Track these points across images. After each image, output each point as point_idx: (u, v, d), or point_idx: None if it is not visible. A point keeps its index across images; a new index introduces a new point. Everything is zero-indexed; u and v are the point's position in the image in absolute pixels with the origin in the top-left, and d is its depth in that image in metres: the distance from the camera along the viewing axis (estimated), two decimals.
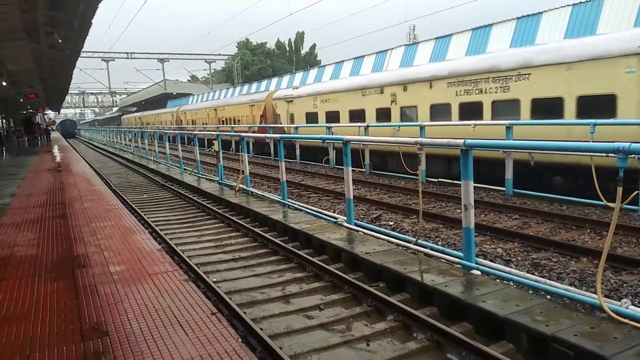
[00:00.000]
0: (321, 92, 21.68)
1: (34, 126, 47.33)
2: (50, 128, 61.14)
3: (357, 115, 18.84)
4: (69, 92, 53.11)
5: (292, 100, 24.30)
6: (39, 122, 55.17)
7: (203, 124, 39.47)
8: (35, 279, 5.71)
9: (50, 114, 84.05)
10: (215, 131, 26.88)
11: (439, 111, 14.91)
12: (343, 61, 36.10)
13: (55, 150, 33.47)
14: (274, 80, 47.74)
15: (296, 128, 22.77)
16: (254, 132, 26.18)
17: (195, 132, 20.61)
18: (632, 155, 4.30)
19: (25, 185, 14.42)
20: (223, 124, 34.89)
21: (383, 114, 17.39)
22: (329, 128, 19.41)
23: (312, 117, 22.32)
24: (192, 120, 43.75)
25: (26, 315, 4.68)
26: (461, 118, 13.99)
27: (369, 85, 18.38)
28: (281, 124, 25.29)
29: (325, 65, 40.07)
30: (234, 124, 32.68)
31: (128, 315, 4.55)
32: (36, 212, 9.97)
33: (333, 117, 20.50)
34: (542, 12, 21.59)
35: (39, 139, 44.05)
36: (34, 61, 17.11)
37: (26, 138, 42.83)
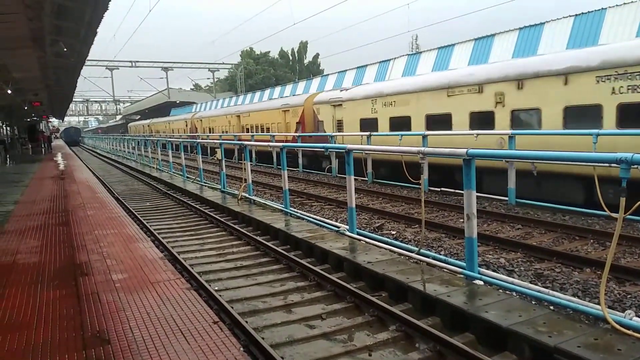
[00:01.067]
0: (384, 94, 17.48)
1: (38, 134, 47.54)
2: (54, 136, 61.39)
3: (439, 121, 14.74)
4: (73, 100, 53.42)
5: (340, 104, 20.20)
6: (43, 130, 55.37)
7: (222, 132, 34.64)
8: (37, 287, 5.72)
9: (54, 121, 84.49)
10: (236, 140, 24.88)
11: (579, 115, 11.10)
12: (346, 70, 36.27)
13: (59, 157, 33.60)
14: (277, 89, 47.94)
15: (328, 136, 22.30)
16: (287, 141, 23.73)
17: (198, 141, 20.56)
18: (635, 166, 4.30)
19: (29, 192, 14.47)
20: (247, 132, 30.59)
21: (482, 120, 13.45)
22: (332, 137, 19.45)
23: (369, 124, 18.13)
24: (210, 129, 38.65)
25: (28, 322, 4.68)
26: (619, 126, 10.24)
27: (458, 82, 14.19)
28: (324, 131, 21.21)
29: (328, 75, 40.24)
30: (261, 131, 28.54)
31: (130, 323, 4.55)
32: (39, 219, 9.99)
33: (401, 123, 16.42)
34: (544, 23, 21.69)
35: (42, 146, 44.22)
36: (39, 69, 17.23)
37: (30, 145, 43.00)
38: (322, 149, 10.87)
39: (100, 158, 40.93)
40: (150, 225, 10.68)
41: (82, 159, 34.06)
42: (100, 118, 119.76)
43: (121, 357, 3.90)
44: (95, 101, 78.42)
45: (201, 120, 42.17)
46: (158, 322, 4.56)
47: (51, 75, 19.63)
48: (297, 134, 23.41)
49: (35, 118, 46.60)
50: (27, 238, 8.32)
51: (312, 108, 22.87)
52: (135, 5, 27.63)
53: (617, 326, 4.42)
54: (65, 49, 13.35)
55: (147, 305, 5.00)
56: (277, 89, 47.98)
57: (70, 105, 58.50)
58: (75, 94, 37.71)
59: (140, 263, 6.57)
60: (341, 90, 21.19)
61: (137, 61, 60.82)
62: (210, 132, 38.08)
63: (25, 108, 30.25)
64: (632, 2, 18.16)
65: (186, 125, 46.07)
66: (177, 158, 24.60)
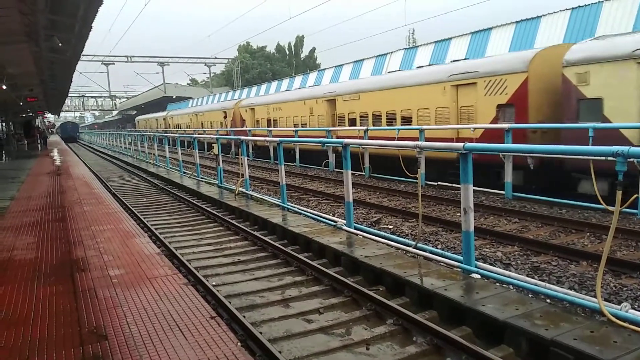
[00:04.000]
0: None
1: (34, 129, 47.32)
2: (50, 131, 60.89)
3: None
4: (69, 95, 53.13)
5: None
6: (39, 126, 55.10)
7: (297, 125, 23.73)
8: (34, 283, 5.70)
9: (50, 117, 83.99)
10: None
11: None
12: (342, 65, 36.18)
13: (55, 153, 33.47)
14: (274, 84, 47.81)
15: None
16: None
17: (195, 136, 20.51)
18: (631, 159, 4.30)
19: (25, 188, 14.42)
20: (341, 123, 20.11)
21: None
22: (328, 132, 19.42)
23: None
24: (270, 121, 27.37)
25: (25, 318, 4.67)
26: None
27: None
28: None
29: (325, 69, 40.15)
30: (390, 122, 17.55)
31: (127, 319, 4.55)
32: (36, 215, 9.96)
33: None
34: (541, 16, 21.65)
35: (38, 142, 44.07)
36: (34, 64, 17.10)
37: (26, 141, 42.83)
38: (319, 143, 10.83)
39: (96, 154, 40.80)
40: (147, 221, 10.67)
41: (78, 155, 33.92)
42: (97, 113, 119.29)
43: (118, 353, 3.89)
44: (92, 96, 78.16)
45: (253, 109, 30.13)
46: (155, 317, 4.56)
47: (46, 71, 19.49)
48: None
49: (30, 114, 46.37)
50: (24, 234, 8.29)
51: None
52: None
53: (614, 319, 4.44)
54: (60, 44, 13.22)
55: (145, 300, 4.99)
56: (274, 84, 47.79)
57: (66, 100, 58.24)
58: (71, 90, 37.49)
59: (137, 259, 6.56)
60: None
61: (133, 56, 60.60)
62: (273, 125, 26.71)
63: (21, 104, 30.07)
64: None
65: (225, 117, 34.86)
66: (174, 153, 24.55)
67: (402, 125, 16.23)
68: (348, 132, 18.25)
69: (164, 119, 53.10)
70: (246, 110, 30.96)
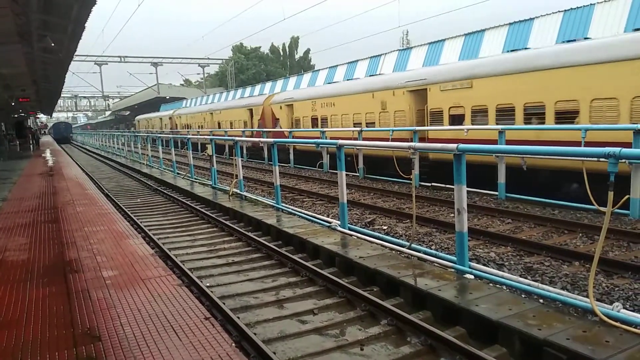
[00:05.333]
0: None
1: (26, 130, 46.97)
2: (42, 132, 60.28)
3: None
4: (62, 95, 52.81)
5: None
6: (31, 126, 54.67)
7: (355, 125, 18.75)
8: (27, 284, 5.67)
9: (42, 117, 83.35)
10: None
11: None
12: (337, 66, 36.23)
13: (48, 154, 33.26)
14: (268, 85, 47.77)
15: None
16: None
17: (188, 137, 20.37)
18: (623, 160, 4.34)
19: (17, 189, 14.32)
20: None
21: None
22: (322, 132, 19.41)
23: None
24: (317, 120, 21.61)
25: (18, 320, 4.64)
26: None
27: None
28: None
29: (319, 70, 40.19)
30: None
31: (121, 320, 4.53)
32: (28, 216, 9.90)
33: None
34: (534, 18, 21.80)
35: (30, 143, 43.77)
36: (27, 65, 17.00)
37: (18, 142, 42.51)
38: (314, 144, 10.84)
39: (89, 154, 40.57)
40: (141, 222, 10.62)
41: (71, 156, 33.72)
42: (89, 114, 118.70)
43: (112, 354, 3.88)
44: (84, 97, 77.69)
45: (290, 105, 24.25)
46: (149, 318, 4.55)
47: (39, 71, 19.39)
48: None
49: (23, 114, 46.05)
50: (16, 235, 8.24)
51: None
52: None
53: (605, 318, 4.48)
54: (53, 44, 13.17)
55: (138, 302, 4.98)
56: (268, 84, 47.67)
57: (59, 101, 57.89)
58: (63, 90, 37.28)
59: (130, 260, 6.54)
60: None
61: (126, 56, 60.26)
62: (321, 125, 20.97)
63: (13, 104, 29.88)
64: None
65: (250, 116, 29.20)
66: (168, 154, 24.46)
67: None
68: (453, 134, 13.44)
69: (169, 118, 47.82)
70: (281, 107, 24.98)
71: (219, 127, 33.42)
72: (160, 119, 51.44)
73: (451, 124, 14.35)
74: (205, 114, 37.90)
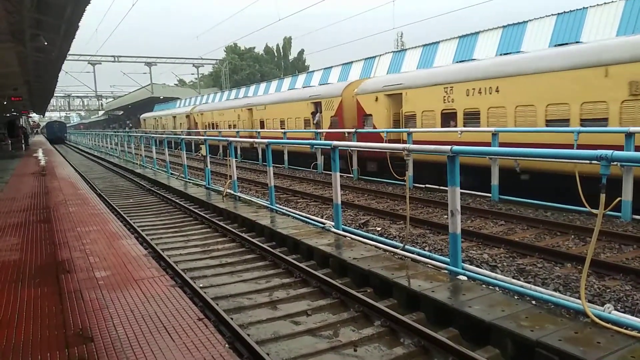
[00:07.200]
0: None
1: (18, 129, 46.54)
2: (35, 131, 59.62)
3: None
4: (55, 95, 52.45)
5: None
6: (23, 125, 54.21)
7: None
8: (18, 285, 5.62)
9: (35, 116, 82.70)
10: None
11: None
12: (331, 67, 36.23)
13: (40, 153, 33.03)
14: (262, 85, 47.70)
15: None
16: None
17: (182, 137, 20.30)
18: (615, 163, 4.38)
19: (9, 189, 14.20)
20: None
21: None
22: (317, 134, 19.41)
23: None
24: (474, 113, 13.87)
25: (9, 321, 4.60)
26: None
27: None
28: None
29: (313, 71, 40.20)
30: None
31: (114, 321, 4.51)
32: (20, 216, 9.82)
33: None
34: (527, 21, 21.92)
35: (22, 142, 43.38)
36: (19, 64, 16.88)
37: (9, 141, 42.13)
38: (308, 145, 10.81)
39: (82, 154, 40.33)
40: (134, 222, 10.58)
41: (64, 155, 33.50)
42: (82, 114, 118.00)
43: (104, 355, 3.86)
44: (77, 96, 77.23)
45: (399, 94, 16.41)
46: (142, 319, 4.53)
47: (31, 70, 19.23)
48: None
49: (15, 113, 45.68)
50: (7, 235, 8.17)
51: None
52: None
53: (597, 320, 4.52)
54: (45, 44, 13.08)
55: (131, 302, 4.95)
56: (263, 85, 47.61)
57: (52, 100, 57.48)
58: (56, 89, 37.02)
59: (123, 260, 6.50)
60: None
61: (120, 56, 60.05)
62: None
63: (5, 103, 29.63)
64: (612, 1, 18.46)
65: (314, 112, 21.63)
66: (161, 154, 24.32)
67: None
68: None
69: (187, 117, 41.15)
70: (377, 99, 17.46)
71: (262, 127, 26.72)
72: (174, 117, 44.73)
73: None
74: (240, 110, 30.32)
